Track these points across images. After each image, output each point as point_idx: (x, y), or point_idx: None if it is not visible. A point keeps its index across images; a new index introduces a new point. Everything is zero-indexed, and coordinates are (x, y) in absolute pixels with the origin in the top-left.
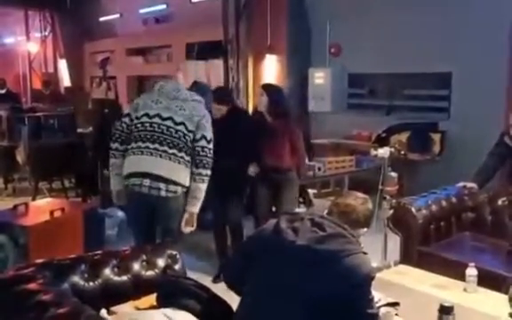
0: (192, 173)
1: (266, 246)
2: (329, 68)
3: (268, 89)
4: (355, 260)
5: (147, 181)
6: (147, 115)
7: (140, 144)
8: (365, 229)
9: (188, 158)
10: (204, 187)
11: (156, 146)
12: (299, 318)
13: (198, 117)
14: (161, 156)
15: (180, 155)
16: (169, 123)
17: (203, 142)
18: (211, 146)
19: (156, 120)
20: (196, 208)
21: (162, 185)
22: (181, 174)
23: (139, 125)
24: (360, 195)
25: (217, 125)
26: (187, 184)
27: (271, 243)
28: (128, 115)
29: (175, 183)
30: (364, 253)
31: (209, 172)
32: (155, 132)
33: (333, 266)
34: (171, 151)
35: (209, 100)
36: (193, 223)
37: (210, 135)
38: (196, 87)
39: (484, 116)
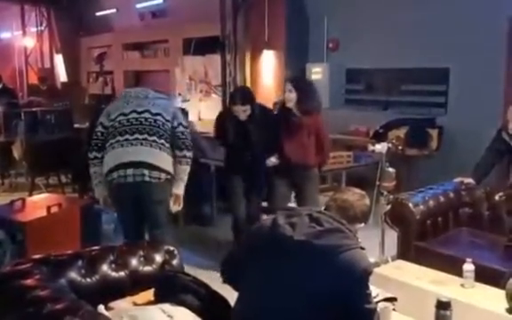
0: (176, 157)
1: (264, 242)
2: (327, 63)
3: (298, 85)
4: (352, 255)
5: (130, 170)
6: (122, 114)
7: (119, 138)
8: (362, 224)
9: (168, 145)
10: (187, 169)
11: (136, 135)
12: (296, 313)
13: (173, 109)
14: (142, 144)
15: (160, 141)
16: (146, 115)
17: (181, 128)
18: (188, 130)
19: (133, 115)
20: (181, 190)
21: (145, 171)
22: (163, 160)
23: (116, 124)
24: (357, 190)
25: (243, 123)
26: (170, 170)
27: (269, 238)
28: (101, 123)
29: (158, 169)
30: (362, 249)
31: (191, 154)
32: (133, 125)
33: (331, 261)
34: (151, 138)
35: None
36: (180, 203)
37: (185, 123)
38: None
39: (482, 112)
